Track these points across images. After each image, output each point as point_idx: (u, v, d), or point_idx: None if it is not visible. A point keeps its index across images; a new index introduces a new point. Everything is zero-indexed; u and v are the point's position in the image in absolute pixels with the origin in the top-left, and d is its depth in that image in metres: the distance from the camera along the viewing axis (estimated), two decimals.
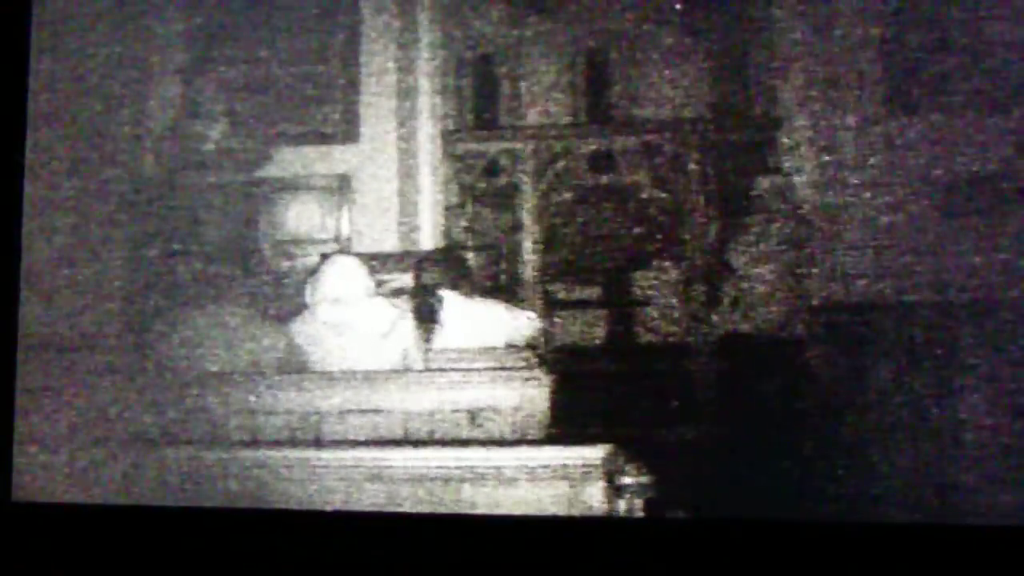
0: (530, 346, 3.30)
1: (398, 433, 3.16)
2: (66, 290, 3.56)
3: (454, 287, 3.40)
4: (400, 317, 3.34)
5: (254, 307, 3.51)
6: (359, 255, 3.58)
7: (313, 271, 3.45)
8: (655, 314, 3.44)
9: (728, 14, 3.51)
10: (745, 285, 3.32)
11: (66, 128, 3.65)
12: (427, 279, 3.44)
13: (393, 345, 3.32)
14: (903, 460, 2.95)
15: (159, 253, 3.57)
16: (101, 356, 3.50)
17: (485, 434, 3.11)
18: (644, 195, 3.57)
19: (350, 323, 3.33)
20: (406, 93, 3.79)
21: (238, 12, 3.71)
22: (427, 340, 3.33)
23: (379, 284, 3.50)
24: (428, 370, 3.27)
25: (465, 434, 3.12)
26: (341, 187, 3.79)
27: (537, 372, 3.18)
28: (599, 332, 3.47)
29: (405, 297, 3.43)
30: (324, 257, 3.51)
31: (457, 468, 2.99)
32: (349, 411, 3.20)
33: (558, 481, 2.92)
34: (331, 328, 3.34)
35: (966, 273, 3.02)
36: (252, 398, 3.27)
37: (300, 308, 3.44)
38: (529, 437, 3.09)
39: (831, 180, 3.27)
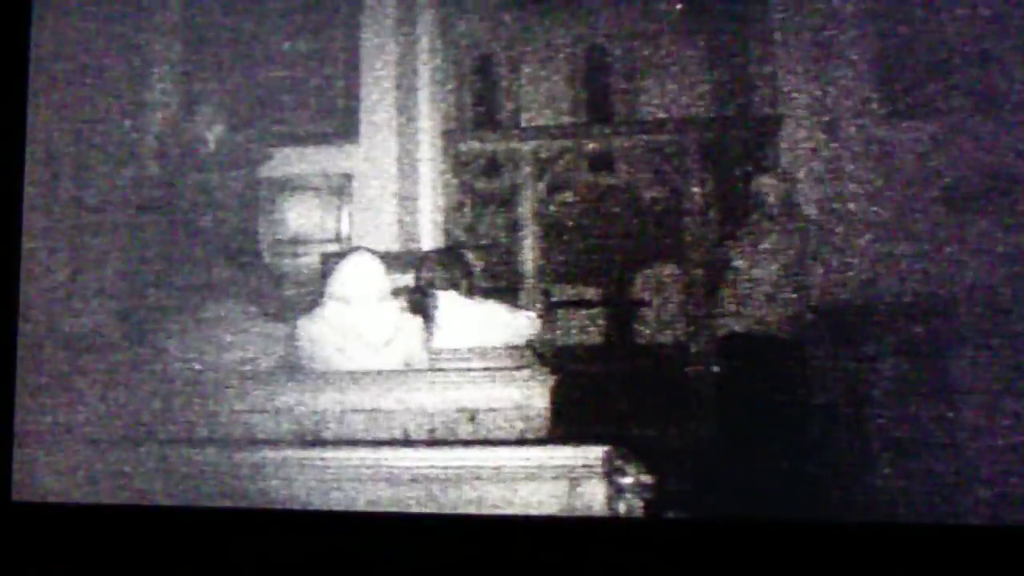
0: (530, 346, 3.30)
1: (398, 433, 3.16)
2: (66, 290, 3.56)
3: (454, 287, 3.40)
4: (404, 321, 3.34)
5: (254, 307, 3.52)
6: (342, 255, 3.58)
7: (329, 267, 3.44)
8: (655, 314, 3.44)
9: (728, 14, 3.51)
10: (745, 285, 3.32)
11: (66, 128, 3.65)
12: (427, 279, 3.44)
13: (395, 347, 3.32)
14: (903, 460, 2.95)
15: (159, 253, 3.57)
16: (101, 356, 3.50)
17: (485, 434, 3.11)
18: (644, 195, 3.57)
19: (353, 325, 3.33)
20: (406, 93, 3.79)
21: (238, 12, 3.71)
22: (427, 340, 3.33)
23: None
24: (428, 370, 3.27)
25: (465, 434, 3.12)
26: (341, 187, 3.79)
27: (537, 372, 3.18)
28: (599, 332, 3.47)
29: (405, 297, 3.43)
30: (339, 253, 3.50)
31: (457, 468, 2.99)
32: (349, 411, 3.20)
33: (558, 481, 2.92)
34: (333, 329, 3.34)
35: (966, 273, 3.02)
36: (252, 398, 3.27)
37: (302, 307, 3.44)
38: (529, 437, 3.09)
39: (831, 180, 3.27)
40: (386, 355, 3.30)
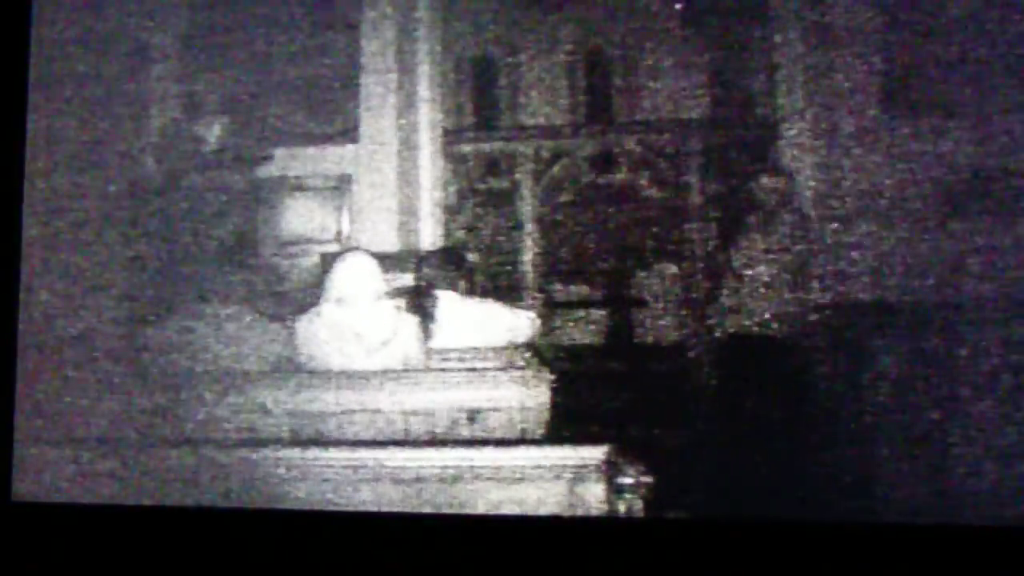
0: (530, 346, 3.30)
1: (398, 433, 3.16)
2: (66, 290, 3.56)
3: (454, 287, 3.40)
4: (402, 321, 3.34)
5: (254, 307, 3.51)
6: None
7: (326, 268, 3.44)
8: (655, 314, 3.44)
9: (728, 14, 3.51)
10: (745, 285, 3.32)
11: (66, 128, 3.65)
12: (427, 279, 3.44)
13: (394, 347, 3.32)
14: (903, 460, 2.95)
15: (159, 253, 3.57)
16: (101, 356, 3.50)
17: (485, 434, 3.11)
18: (644, 195, 3.57)
19: (350, 326, 3.33)
20: (406, 93, 3.79)
21: (238, 12, 3.71)
22: (427, 340, 3.33)
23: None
24: (428, 370, 3.27)
25: (465, 434, 3.12)
26: (341, 187, 3.79)
27: (537, 372, 3.18)
28: (599, 332, 3.47)
29: (405, 297, 3.43)
30: (336, 255, 3.50)
31: (457, 468, 2.99)
32: (349, 411, 3.20)
33: (558, 481, 2.92)
34: (331, 330, 3.34)
35: (967, 273, 3.02)
36: (252, 398, 3.27)
37: (301, 308, 3.44)
38: (529, 437, 3.08)
39: (831, 180, 3.27)
40: (384, 356, 3.30)
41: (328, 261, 3.51)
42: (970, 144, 3.10)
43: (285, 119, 3.72)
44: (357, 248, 3.52)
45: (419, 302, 3.39)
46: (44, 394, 3.45)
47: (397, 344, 3.32)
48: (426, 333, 3.34)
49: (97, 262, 3.58)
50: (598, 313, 3.49)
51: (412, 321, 3.35)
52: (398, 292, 3.44)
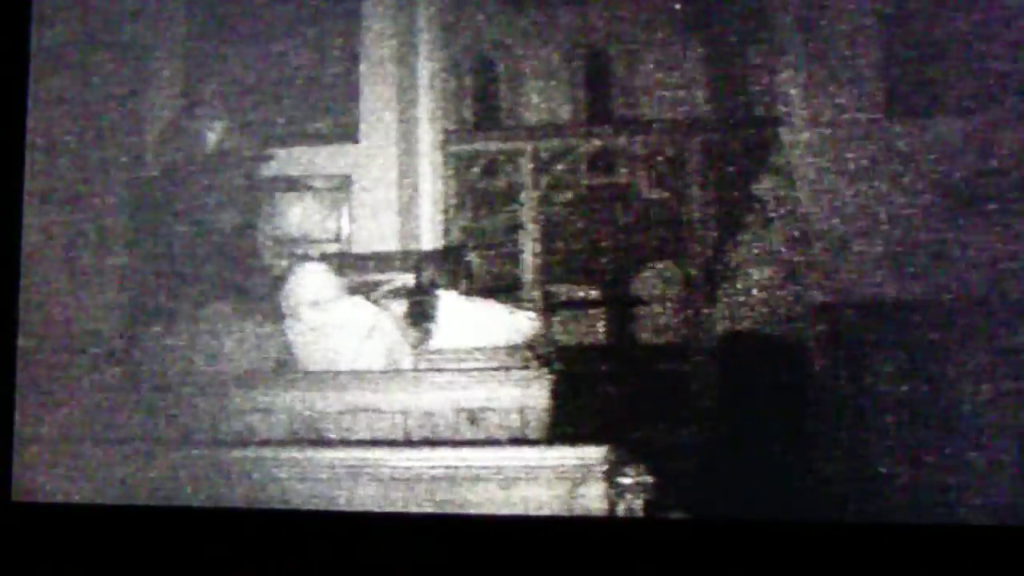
0: (530, 346, 3.30)
1: (398, 433, 3.16)
2: (66, 290, 3.56)
3: (454, 287, 3.40)
4: (381, 315, 3.35)
5: (253, 307, 3.51)
6: (341, 255, 3.59)
7: (283, 278, 3.46)
8: (655, 314, 3.44)
9: (727, 14, 3.51)
10: (745, 285, 3.32)
11: (67, 128, 3.65)
12: (427, 279, 3.44)
13: (380, 343, 3.33)
14: (903, 460, 2.95)
15: (159, 253, 3.57)
16: (100, 356, 3.50)
17: (485, 434, 3.11)
18: (644, 195, 3.57)
19: (333, 324, 3.33)
20: (406, 93, 3.79)
21: (238, 12, 3.71)
22: (427, 340, 3.33)
23: (375, 284, 3.51)
24: (427, 370, 3.27)
25: (465, 434, 3.12)
26: (341, 187, 3.79)
27: (537, 372, 3.18)
28: (599, 332, 3.47)
29: (405, 297, 3.43)
30: (291, 263, 3.52)
31: (457, 468, 2.99)
32: (349, 411, 3.20)
33: (558, 481, 2.92)
34: (318, 330, 3.34)
35: (966, 273, 3.02)
36: (252, 398, 3.27)
37: (292, 311, 3.44)
38: (529, 437, 3.09)
39: (831, 180, 3.27)
40: (380, 349, 3.31)
41: (285, 272, 3.53)
42: (970, 144, 3.10)
43: (285, 119, 3.72)
44: (305, 257, 3.54)
45: (419, 302, 3.39)
46: (44, 394, 3.45)
47: (382, 333, 3.33)
48: (426, 333, 3.35)
49: (97, 262, 3.58)
50: (598, 313, 3.49)
51: (390, 313, 3.36)
52: (398, 292, 3.45)
